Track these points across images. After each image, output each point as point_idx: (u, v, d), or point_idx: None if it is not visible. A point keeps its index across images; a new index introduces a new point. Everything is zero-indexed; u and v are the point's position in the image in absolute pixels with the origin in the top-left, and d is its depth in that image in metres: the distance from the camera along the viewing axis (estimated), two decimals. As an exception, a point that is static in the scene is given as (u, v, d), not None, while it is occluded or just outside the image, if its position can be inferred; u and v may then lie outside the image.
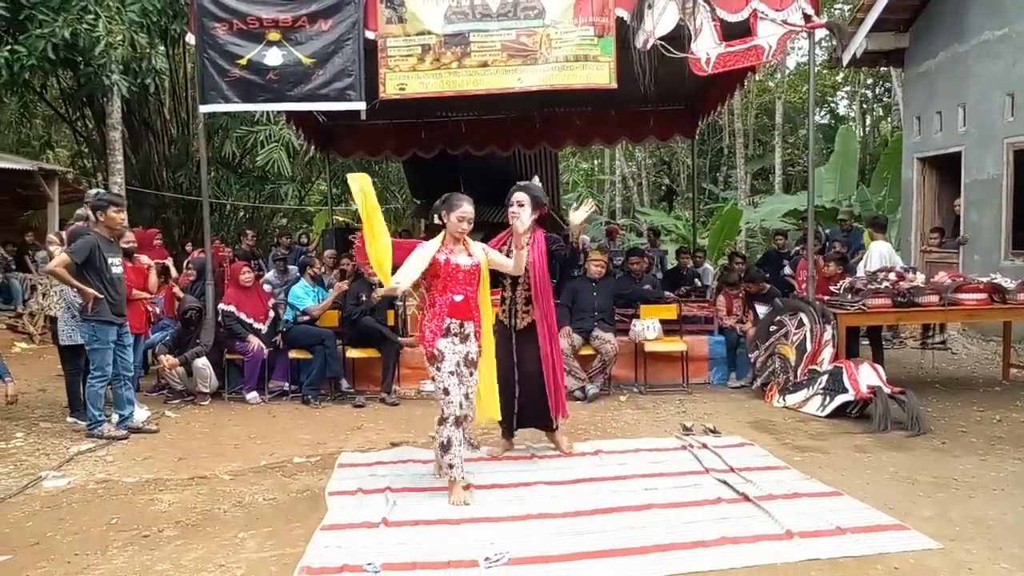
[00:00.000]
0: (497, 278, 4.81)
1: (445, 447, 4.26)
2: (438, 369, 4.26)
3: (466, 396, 4.32)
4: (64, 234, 6.54)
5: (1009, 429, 5.65)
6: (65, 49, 9.60)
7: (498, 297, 4.94)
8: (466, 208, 4.34)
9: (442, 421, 4.27)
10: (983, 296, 6.81)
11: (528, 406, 5.00)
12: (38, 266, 11.06)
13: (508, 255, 4.68)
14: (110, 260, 5.74)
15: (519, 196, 4.79)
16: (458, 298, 4.29)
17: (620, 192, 28.69)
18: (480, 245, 4.55)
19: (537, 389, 4.95)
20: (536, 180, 4.99)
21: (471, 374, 4.34)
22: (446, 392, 4.25)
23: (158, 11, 10.70)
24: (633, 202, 28.24)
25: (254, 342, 7.05)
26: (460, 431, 4.30)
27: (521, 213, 4.71)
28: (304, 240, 14.02)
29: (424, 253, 4.26)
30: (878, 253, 8.17)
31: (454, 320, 4.27)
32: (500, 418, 4.75)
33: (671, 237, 19.25)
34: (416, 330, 4.93)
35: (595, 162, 31.42)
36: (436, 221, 4.52)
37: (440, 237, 4.39)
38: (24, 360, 9.26)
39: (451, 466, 4.27)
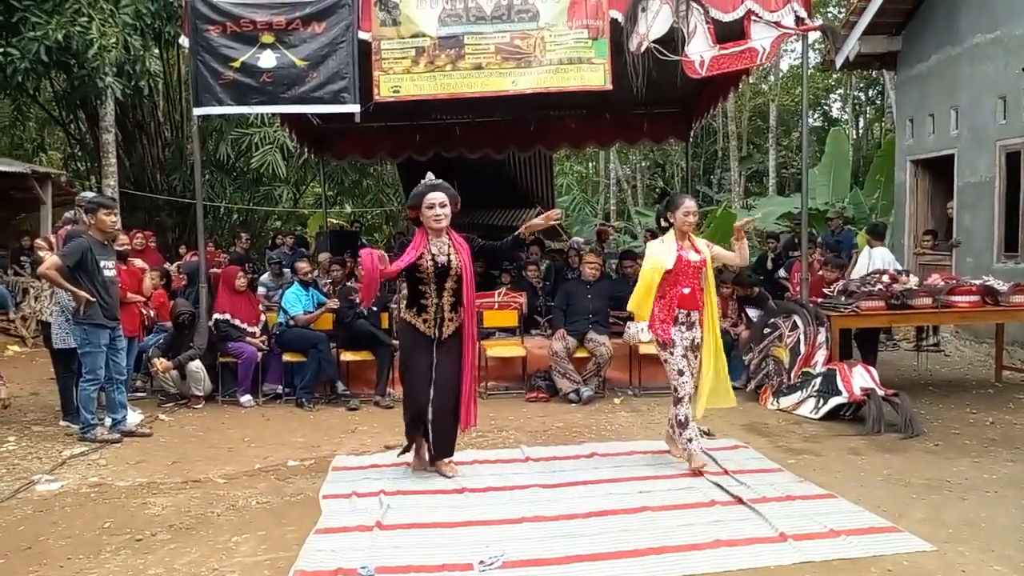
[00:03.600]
0: (417, 286, 4.54)
1: (684, 424, 4.69)
2: (671, 354, 4.66)
3: (691, 376, 4.72)
4: (52, 238, 6.51)
5: (1002, 431, 5.67)
6: (58, 51, 9.59)
7: (411, 305, 4.60)
8: (688, 204, 4.65)
9: (678, 401, 4.70)
10: (976, 298, 6.83)
11: (437, 420, 4.54)
12: (31, 269, 11.01)
13: (435, 259, 4.50)
14: (102, 263, 5.72)
15: (439, 196, 4.48)
16: (686, 291, 4.64)
17: (615, 194, 28.70)
18: (703, 241, 4.85)
19: (450, 401, 4.54)
20: (431, 176, 4.62)
21: (695, 357, 4.73)
22: (681, 373, 4.66)
23: (152, 14, 10.68)
24: (628, 204, 28.26)
25: (253, 343, 7.06)
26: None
27: (444, 213, 4.48)
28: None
29: (659, 258, 4.63)
30: (880, 258, 8.15)
31: (682, 310, 4.64)
32: (732, 404, 4.94)
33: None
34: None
35: (590, 165, 31.44)
36: (663, 223, 4.81)
37: (672, 236, 4.70)
38: (16, 363, 9.22)
39: (690, 440, 4.69)
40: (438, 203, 4.44)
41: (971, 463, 4.88)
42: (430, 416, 4.52)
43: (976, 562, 3.38)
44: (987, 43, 9.14)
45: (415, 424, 4.62)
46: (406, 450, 4.88)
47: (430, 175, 4.65)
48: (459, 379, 4.57)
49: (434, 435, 4.59)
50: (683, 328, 4.67)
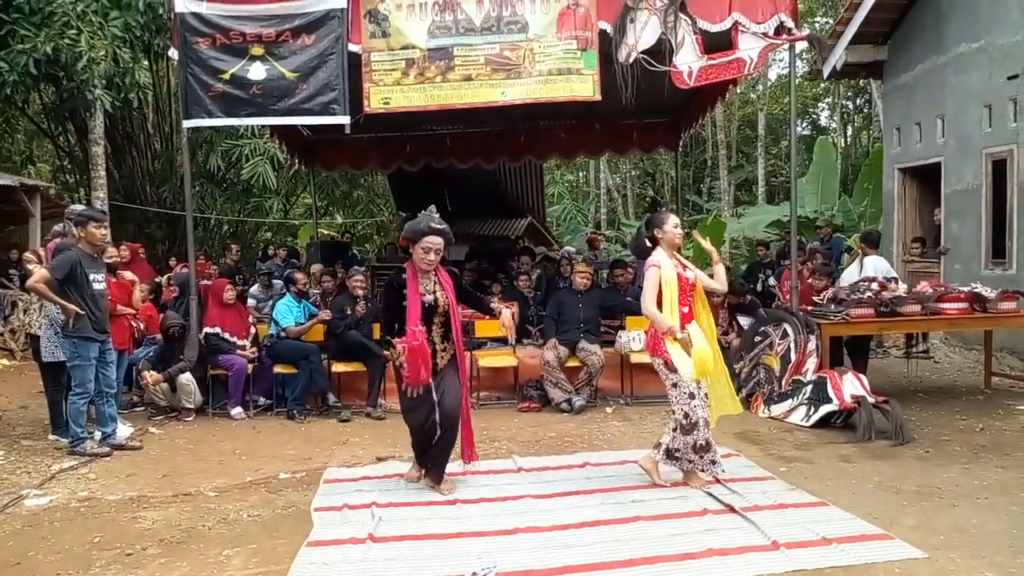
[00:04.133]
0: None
1: (705, 447, 4.49)
2: (681, 376, 4.43)
3: (706, 396, 4.53)
4: (42, 251, 6.49)
5: (991, 437, 5.70)
6: (47, 64, 9.59)
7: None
8: (675, 218, 4.65)
9: (691, 428, 4.45)
10: (964, 305, 6.88)
11: (443, 438, 4.57)
12: (19, 283, 10.94)
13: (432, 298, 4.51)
14: (92, 276, 5.70)
15: (437, 243, 4.47)
16: (685, 310, 4.51)
17: (605, 204, 28.81)
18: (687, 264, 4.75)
19: (454, 424, 4.60)
20: (433, 210, 4.69)
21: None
22: (692, 397, 4.44)
23: (141, 26, 10.68)
24: (618, 213, 28.35)
25: (244, 355, 7.04)
26: (709, 430, 4.51)
27: (436, 260, 4.50)
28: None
29: (666, 280, 4.45)
30: (872, 267, 8.17)
31: (683, 331, 4.48)
32: (740, 410, 4.82)
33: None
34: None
35: (580, 174, 31.56)
36: (647, 243, 4.67)
37: (662, 253, 4.56)
38: (5, 377, 9.17)
39: (713, 462, 4.54)
40: (434, 249, 4.46)
41: (961, 469, 4.90)
42: (438, 434, 4.52)
43: (967, 568, 3.39)
44: (972, 52, 9.22)
45: (425, 449, 4.66)
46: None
47: (433, 208, 4.70)
48: (459, 403, 4.60)
49: (438, 453, 4.62)
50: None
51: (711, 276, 4.79)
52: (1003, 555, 3.53)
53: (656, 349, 4.53)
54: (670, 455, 4.57)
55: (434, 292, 4.53)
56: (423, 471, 4.81)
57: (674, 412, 4.54)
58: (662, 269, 4.48)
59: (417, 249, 4.47)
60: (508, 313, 4.71)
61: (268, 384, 7.29)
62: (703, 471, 4.56)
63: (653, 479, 4.67)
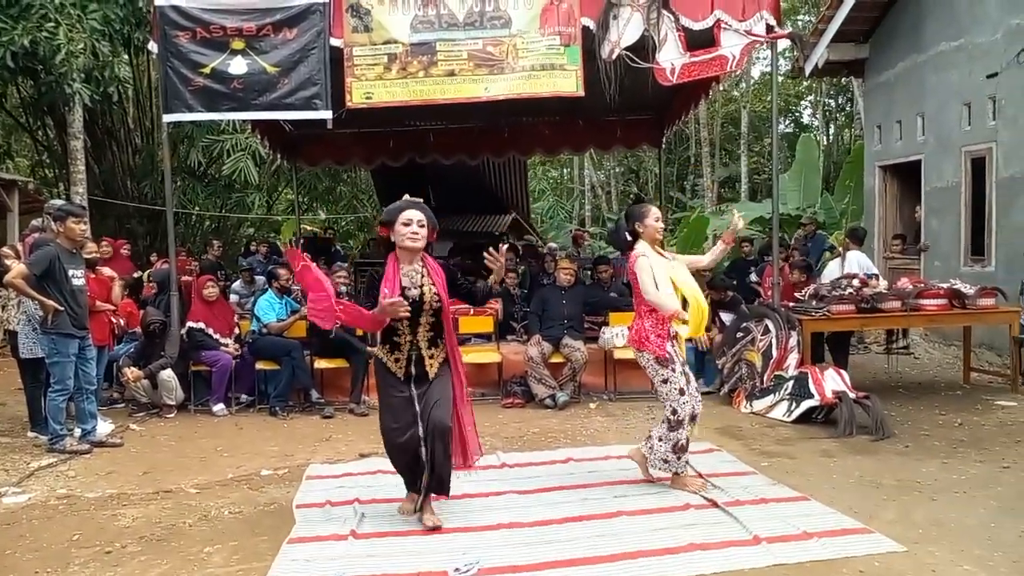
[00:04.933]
0: (390, 322, 3.96)
1: (685, 447, 4.44)
2: (672, 371, 4.39)
3: (695, 391, 4.49)
4: (19, 246, 6.41)
5: (970, 432, 5.76)
6: (25, 57, 9.43)
7: (384, 341, 4.05)
8: (656, 211, 4.55)
9: (678, 424, 4.39)
10: (944, 302, 6.95)
11: (434, 455, 3.91)
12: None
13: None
14: (71, 272, 5.63)
15: (417, 215, 3.96)
16: None
17: (589, 200, 28.85)
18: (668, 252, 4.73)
19: (442, 437, 3.91)
20: (407, 197, 4.14)
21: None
22: (681, 392, 4.39)
23: (120, 19, 10.52)
24: (602, 210, 28.39)
25: (228, 351, 7.01)
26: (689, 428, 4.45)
27: (421, 233, 3.95)
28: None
29: (656, 266, 4.37)
30: (855, 262, 8.23)
31: (672, 325, 4.43)
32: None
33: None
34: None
35: (564, 170, 31.57)
36: (628, 237, 4.52)
37: (646, 247, 4.47)
38: (-18, 374, 9.04)
39: (687, 463, 4.52)
40: (415, 220, 3.93)
41: (940, 464, 4.95)
42: (425, 455, 3.90)
43: (946, 562, 3.43)
44: (952, 51, 9.30)
45: (411, 470, 4.04)
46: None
47: (407, 196, 4.20)
48: (448, 413, 3.97)
49: (431, 472, 3.95)
50: (673, 342, 4.42)
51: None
52: (981, 548, 3.57)
53: (642, 343, 4.40)
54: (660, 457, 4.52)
55: (420, 286, 3.94)
56: (417, 503, 4.11)
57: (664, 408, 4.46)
58: (650, 259, 4.41)
59: (398, 229, 3.93)
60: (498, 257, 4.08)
61: (250, 381, 7.25)
62: (679, 472, 4.48)
63: (642, 473, 4.65)
